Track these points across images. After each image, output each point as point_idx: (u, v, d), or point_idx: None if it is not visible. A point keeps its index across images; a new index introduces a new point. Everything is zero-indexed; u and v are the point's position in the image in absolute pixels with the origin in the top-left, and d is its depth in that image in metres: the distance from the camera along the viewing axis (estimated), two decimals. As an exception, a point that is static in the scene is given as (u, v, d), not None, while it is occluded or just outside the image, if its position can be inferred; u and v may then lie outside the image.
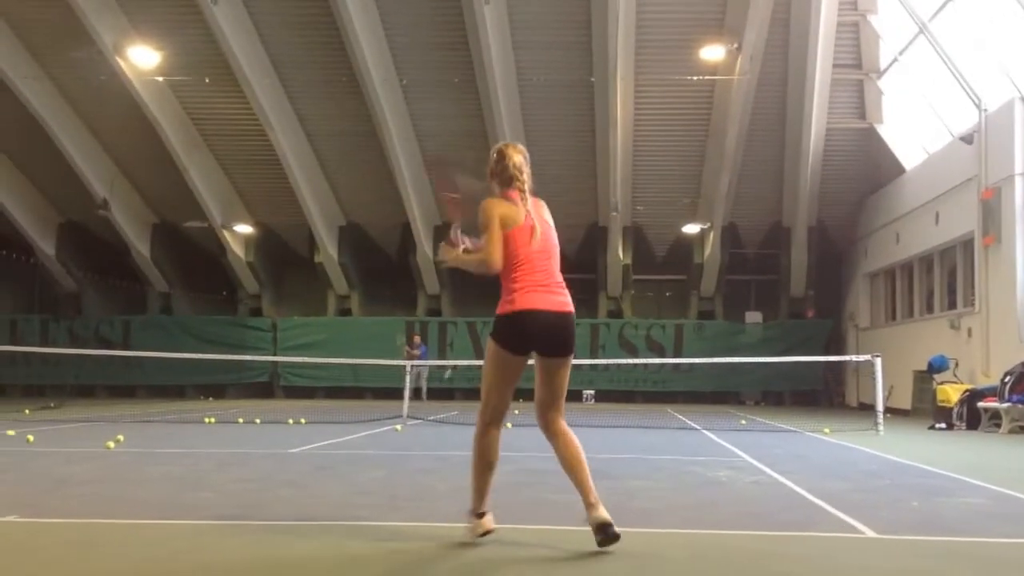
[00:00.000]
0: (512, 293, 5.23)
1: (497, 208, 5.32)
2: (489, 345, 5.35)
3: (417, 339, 26.93)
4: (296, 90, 23.78)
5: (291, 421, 16.22)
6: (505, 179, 5.45)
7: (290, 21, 22.10)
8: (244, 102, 23.27)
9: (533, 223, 5.31)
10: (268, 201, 27.34)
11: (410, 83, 23.10)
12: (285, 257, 29.79)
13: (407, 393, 17.68)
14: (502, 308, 5.28)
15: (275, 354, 27.30)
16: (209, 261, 29.15)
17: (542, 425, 5.37)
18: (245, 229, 27.89)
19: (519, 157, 5.51)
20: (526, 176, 5.47)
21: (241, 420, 16.50)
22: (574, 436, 5.32)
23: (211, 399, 26.27)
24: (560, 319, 5.22)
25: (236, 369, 27.27)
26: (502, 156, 5.50)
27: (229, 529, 5.85)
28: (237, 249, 28.25)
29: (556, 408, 5.34)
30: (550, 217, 5.52)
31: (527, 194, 5.43)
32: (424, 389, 25.37)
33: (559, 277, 5.34)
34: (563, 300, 5.27)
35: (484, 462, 5.33)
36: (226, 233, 27.49)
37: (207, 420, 16.42)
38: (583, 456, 5.26)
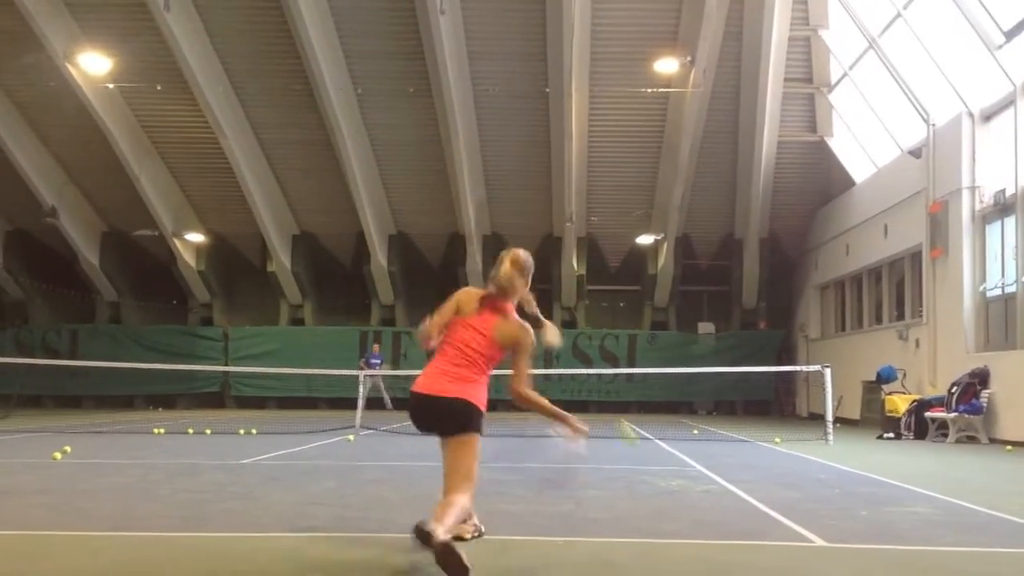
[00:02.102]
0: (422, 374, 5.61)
1: (459, 295, 5.69)
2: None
3: (376, 348, 26.77)
4: (249, 98, 23.61)
5: (242, 431, 16.05)
6: (494, 283, 5.65)
7: (244, 28, 21.94)
8: (196, 110, 23.04)
9: (472, 323, 5.51)
10: (220, 209, 27.08)
11: (365, 92, 23.03)
12: (237, 266, 29.52)
13: (360, 403, 17.54)
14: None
15: (227, 364, 27.02)
16: (159, 270, 28.80)
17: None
18: (196, 238, 27.60)
19: (512, 270, 5.64)
20: (513, 287, 5.64)
21: (191, 431, 16.30)
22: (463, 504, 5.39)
23: (160, 409, 25.94)
24: (429, 402, 5.45)
25: (186, 379, 26.92)
26: (498, 263, 5.69)
27: (179, 541, 5.78)
28: (188, 258, 27.94)
29: (452, 488, 5.40)
30: (510, 335, 5.58)
31: (506, 305, 5.62)
32: (387, 399, 25.15)
33: (464, 372, 5.46)
34: (445, 387, 5.42)
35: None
36: (177, 242, 27.18)
37: (156, 431, 16.21)
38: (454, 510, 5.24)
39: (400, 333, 28.35)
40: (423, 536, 4.80)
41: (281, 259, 27.44)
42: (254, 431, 16.14)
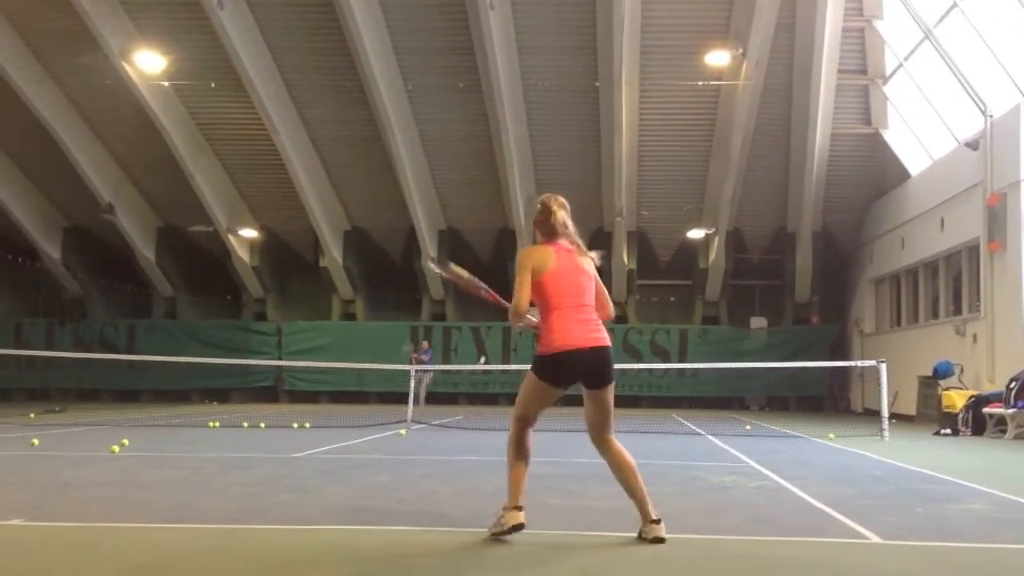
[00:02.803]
0: (550, 334, 5.65)
1: (530, 257, 5.78)
2: (530, 376, 5.75)
3: (425, 344, 26.90)
4: (301, 95, 23.81)
5: (295, 425, 16.22)
6: (547, 231, 5.84)
7: (295, 26, 22.12)
8: (249, 107, 23.29)
9: (566, 268, 5.70)
10: (273, 206, 27.37)
11: (415, 88, 23.12)
12: (290, 261, 29.81)
13: (411, 398, 17.63)
14: (541, 349, 5.70)
15: (279, 358, 27.31)
16: (214, 265, 29.17)
17: (594, 441, 5.86)
18: (250, 233, 27.90)
19: (563, 213, 5.84)
20: (571, 230, 5.84)
21: (246, 424, 16.50)
22: (625, 452, 5.79)
23: (215, 403, 26.28)
24: (595, 354, 5.63)
25: (240, 373, 27.26)
26: (547, 210, 5.85)
27: (233, 533, 5.85)
28: (242, 253, 28.27)
29: (606, 427, 5.77)
30: (590, 265, 5.85)
31: (568, 244, 5.81)
32: (422, 395, 25.28)
33: (593, 315, 5.72)
34: (597, 336, 5.67)
35: (520, 458, 5.73)
36: (231, 237, 27.51)
37: (211, 424, 16.42)
38: (636, 470, 5.71)
39: (450, 328, 28.47)
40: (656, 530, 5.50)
41: (333, 254, 27.66)
42: (307, 425, 16.31)
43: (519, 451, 5.74)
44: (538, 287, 5.69)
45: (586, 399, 5.75)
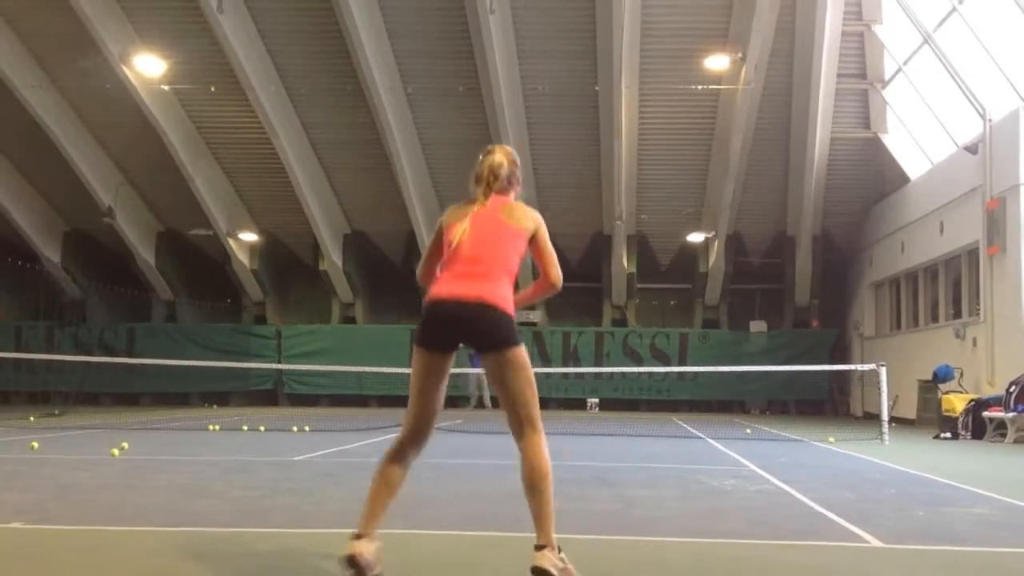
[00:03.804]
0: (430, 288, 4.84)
1: (446, 216, 5.09)
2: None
3: None
4: (301, 98, 23.83)
5: (295, 429, 16.21)
6: (475, 178, 5.08)
7: (295, 29, 22.14)
8: (249, 110, 23.31)
9: (468, 222, 4.85)
10: (273, 209, 27.39)
11: (415, 91, 23.14)
12: (289, 265, 29.84)
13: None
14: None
15: (279, 362, 27.32)
16: (213, 269, 29.20)
17: (514, 438, 4.70)
18: (250, 237, 27.92)
19: (496, 157, 5.03)
20: (500, 176, 4.98)
21: (245, 428, 16.50)
22: (542, 458, 4.59)
23: (215, 407, 26.28)
24: (459, 307, 4.60)
25: (240, 377, 27.27)
26: (483, 156, 5.13)
27: (233, 537, 5.86)
28: (242, 257, 28.28)
29: (515, 417, 4.65)
30: (519, 218, 4.91)
31: (495, 194, 4.96)
32: (486, 396, 25.32)
33: (483, 270, 4.68)
34: (468, 287, 4.62)
35: (380, 484, 4.71)
36: (231, 241, 27.52)
37: (211, 428, 16.42)
38: (545, 484, 4.54)
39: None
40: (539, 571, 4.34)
41: (333, 258, 27.68)
42: (307, 428, 16.31)
43: (382, 478, 4.73)
44: (441, 240, 4.98)
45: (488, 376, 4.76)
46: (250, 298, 29.85)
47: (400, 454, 4.73)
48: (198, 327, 29.32)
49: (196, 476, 8.98)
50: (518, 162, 5.13)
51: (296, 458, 10.98)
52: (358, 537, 4.57)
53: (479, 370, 24.32)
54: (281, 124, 23.69)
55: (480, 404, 25.39)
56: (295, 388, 28.43)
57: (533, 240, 4.91)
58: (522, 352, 4.67)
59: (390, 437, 14.46)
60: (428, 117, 23.91)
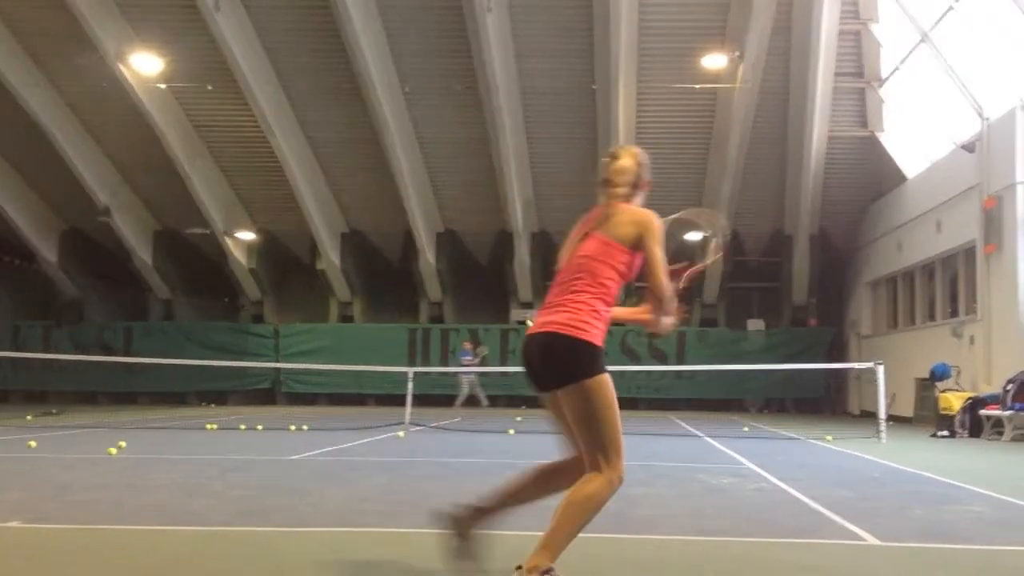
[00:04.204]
0: None
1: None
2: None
3: (467, 345, 26.77)
4: (298, 97, 23.81)
5: (293, 428, 16.21)
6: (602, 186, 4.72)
7: (292, 28, 22.13)
8: (247, 109, 23.29)
9: (570, 240, 4.65)
10: (270, 208, 27.37)
11: (413, 90, 23.12)
12: (287, 264, 29.82)
13: (409, 399, 17.44)
14: None
15: (277, 360, 27.30)
16: (211, 268, 29.18)
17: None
18: (247, 236, 27.91)
19: (609, 162, 4.82)
20: (619, 182, 4.72)
21: (243, 427, 16.48)
22: (580, 487, 4.33)
23: (213, 406, 26.26)
24: (530, 342, 4.43)
25: (238, 376, 27.26)
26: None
27: (231, 536, 5.85)
28: (239, 256, 28.26)
29: (583, 454, 4.36)
30: (607, 229, 4.55)
31: (612, 202, 4.68)
32: (480, 395, 25.48)
33: (565, 295, 4.44)
34: (542, 321, 4.42)
35: (521, 473, 4.70)
36: (228, 240, 27.50)
37: (209, 427, 16.41)
38: (566, 508, 4.28)
39: (448, 330, 28.47)
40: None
41: (330, 257, 27.67)
42: (305, 427, 16.30)
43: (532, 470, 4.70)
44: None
45: None
46: (248, 297, 29.84)
47: (551, 469, 4.60)
48: (196, 326, 29.29)
49: (193, 475, 8.98)
50: (643, 162, 4.86)
51: (294, 457, 10.98)
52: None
53: (469, 370, 24.44)
54: (278, 123, 23.67)
55: (474, 401, 25.42)
56: (293, 387, 28.42)
57: (637, 247, 4.48)
58: (585, 387, 4.29)
59: (388, 436, 14.48)
60: (426, 116, 23.90)
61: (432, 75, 22.81)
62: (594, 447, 4.27)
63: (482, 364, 25.63)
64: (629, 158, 4.78)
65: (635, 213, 4.58)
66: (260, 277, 29.12)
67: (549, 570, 4.12)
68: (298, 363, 26.22)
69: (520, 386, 27.30)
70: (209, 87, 23.17)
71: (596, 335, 4.36)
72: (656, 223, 4.53)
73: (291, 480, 8.73)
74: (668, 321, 4.67)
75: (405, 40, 22.12)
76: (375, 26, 21.56)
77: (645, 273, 4.50)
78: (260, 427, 16.39)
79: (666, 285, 4.49)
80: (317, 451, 11.76)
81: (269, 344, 28.46)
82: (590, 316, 4.36)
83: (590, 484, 4.25)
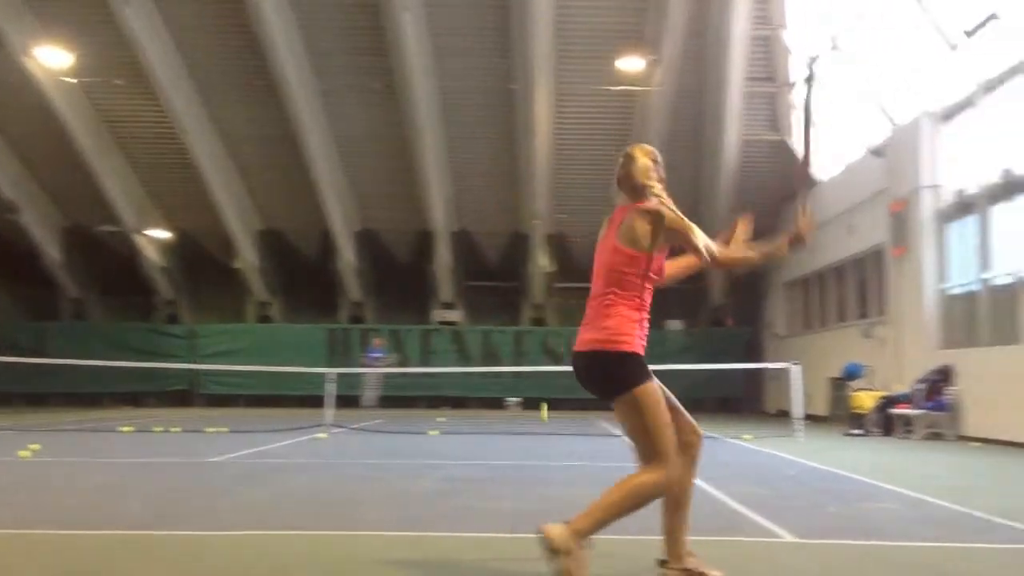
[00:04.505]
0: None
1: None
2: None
3: (377, 342, 26.51)
4: (212, 94, 23.41)
5: (211, 429, 15.96)
6: (624, 189, 4.86)
7: (205, 23, 21.77)
8: (159, 105, 22.87)
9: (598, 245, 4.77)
10: (184, 205, 26.86)
11: (330, 88, 22.93)
12: (203, 263, 29.28)
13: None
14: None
15: (194, 361, 26.82)
16: (124, 267, 28.52)
17: None
18: (160, 234, 27.39)
19: (623, 164, 4.93)
20: (629, 183, 4.84)
21: (159, 429, 16.17)
22: (630, 478, 4.52)
23: (128, 407, 25.70)
24: (575, 360, 4.68)
25: (154, 377, 26.63)
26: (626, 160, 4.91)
27: (147, 539, 5.74)
28: (152, 254, 27.72)
29: (640, 456, 4.56)
30: (621, 235, 4.66)
31: (630, 205, 4.78)
32: (371, 395, 25.27)
33: (599, 308, 4.64)
34: (582, 338, 4.64)
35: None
36: (140, 238, 26.95)
37: (124, 429, 16.06)
38: (615, 489, 4.49)
39: (369, 331, 28.29)
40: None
41: (247, 256, 27.30)
42: (224, 429, 16.06)
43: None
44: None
45: None
46: (161, 296, 29.27)
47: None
48: (109, 326, 28.62)
49: (110, 477, 8.79)
50: (657, 159, 4.91)
51: (212, 459, 10.81)
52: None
53: (373, 369, 24.28)
54: (191, 120, 23.28)
55: (372, 401, 25.29)
56: (211, 388, 27.95)
57: (653, 245, 4.56)
58: (634, 396, 4.45)
59: (309, 438, 14.35)
60: (343, 113, 23.71)
61: (349, 72, 22.66)
62: (648, 450, 4.49)
63: (391, 365, 25.46)
64: (640, 156, 4.86)
65: (641, 213, 4.63)
66: (174, 276, 28.60)
67: (571, 550, 4.28)
68: (216, 364, 25.79)
69: (444, 386, 27.34)
70: (119, 82, 22.67)
71: (635, 343, 4.50)
72: (661, 208, 4.59)
73: (210, 482, 8.61)
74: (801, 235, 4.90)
75: (321, 37, 21.92)
76: (289, 22, 21.31)
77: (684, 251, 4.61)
78: (177, 429, 16.10)
79: (703, 243, 4.55)
80: (236, 453, 11.60)
81: (185, 345, 27.95)
82: (626, 326, 4.50)
83: (643, 475, 4.46)
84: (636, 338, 4.52)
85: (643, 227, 4.56)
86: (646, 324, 4.63)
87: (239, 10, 20.64)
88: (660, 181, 4.80)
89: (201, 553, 5.39)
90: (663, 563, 4.46)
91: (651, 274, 4.62)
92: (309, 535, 5.95)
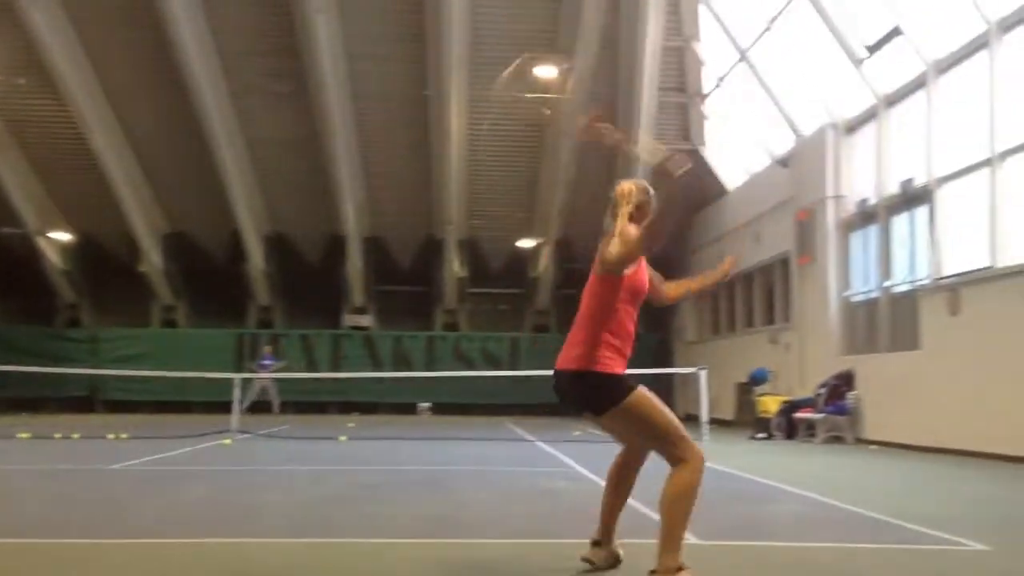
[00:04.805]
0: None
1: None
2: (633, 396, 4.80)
3: (268, 350, 26.02)
4: (118, 93, 22.84)
5: (112, 436, 15.56)
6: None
7: (111, 20, 21.23)
8: (61, 103, 22.25)
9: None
10: (88, 207, 26.13)
11: (240, 89, 22.58)
12: (106, 266, 28.50)
13: (237, 407, 17.22)
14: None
15: (96, 367, 26.10)
16: (23, 269, 27.64)
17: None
18: (62, 236, 26.63)
19: (614, 195, 5.19)
20: (614, 211, 5.10)
21: (58, 435, 15.71)
22: (668, 485, 4.73)
23: (26, 414, 24.90)
24: (556, 378, 4.99)
25: (54, 382, 25.82)
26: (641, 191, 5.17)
27: (40, 548, 5.57)
28: (53, 257, 26.92)
29: (666, 457, 4.80)
30: (597, 263, 5.11)
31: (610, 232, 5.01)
32: (275, 402, 24.80)
33: (580, 332, 5.00)
34: (565, 356, 4.95)
35: (609, 483, 5.32)
36: (41, 240, 26.17)
37: (21, 435, 15.55)
38: (667, 507, 4.68)
39: (278, 335, 27.91)
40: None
41: (152, 259, 26.70)
42: (124, 436, 15.67)
43: (611, 482, 5.26)
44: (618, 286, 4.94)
45: None
46: (63, 300, 28.46)
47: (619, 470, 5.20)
48: (7, 329, 27.70)
49: (3, 484, 8.50)
50: (634, 189, 5.17)
51: (112, 466, 10.54)
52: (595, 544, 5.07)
53: (265, 375, 23.91)
54: (96, 119, 22.68)
55: (257, 408, 24.87)
56: (112, 394, 27.24)
57: (620, 269, 4.91)
58: (623, 408, 4.75)
59: (214, 444, 14.08)
60: (254, 115, 23.36)
61: (260, 74, 22.35)
62: (661, 445, 4.75)
63: (283, 371, 25.04)
64: (615, 191, 5.17)
65: (604, 241, 4.94)
66: (76, 279, 27.84)
67: (681, 567, 4.50)
68: (118, 369, 25.15)
69: (354, 392, 27.10)
70: (21, 81, 22.00)
71: (612, 364, 4.81)
72: (622, 233, 4.83)
73: (110, 490, 8.39)
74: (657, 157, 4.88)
75: (232, 37, 21.59)
76: (199, 21, 20.92)
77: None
78: (76, 435, 15.66)
79: (613, 252, 4.84)
80: (138, 460, 11.31)
81: (87, 349, 27.21)
82: (602, 349, 4.80)
83: (679, 475, 4.66)
84: (615, 359, 4.83)
85: (605, 253, 4.89)
86: (629, 343, 4.96)
87: (147, 6, 20.19)
88: (637, 208, 5.04)
89: (92, 562, 5.24)
90: (652, 572, 4.57)
91: (627, 295, 4.93)
92: (207, 543, 5.83)
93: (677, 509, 4.61)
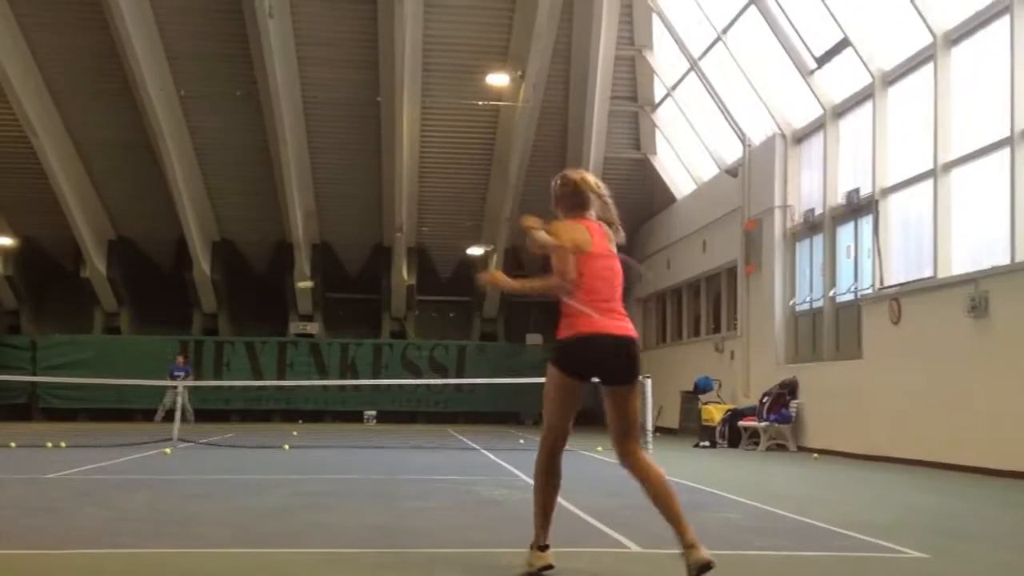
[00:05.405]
0: (576, 317, 5.11)
1: (568, 232, 5.24)
2: (550, 371, 5.21)
3: (181, 360, 25.45)
4: (64, 96, 22.55)
5: (50, 444, 15.25)
6: (578, 203, 5.38)
7: (59, 23, 20.97)
8: (6, 107, 21.85)
9: (601, 253, 5.30)
10: (30, 211, 25.71)
11: (189, 94, 22.35)
12: (48, 271, 28.06)
13: (159, 415, 17.05)
14: (564, 332, 5.12)
15: (34, 374, 25.63)
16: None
17: (620, 458, 5.31)
18: (3, 240, 26.14)
19: (593, 181, 5.42)
20: (602, 202, 5.44)
21: (-6, 444, 15.39)
22: (656, 467, 5.20)
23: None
24: (621, 343, 5.08)
25: (-10, 390, 25.40)
26: (570, 181, 5.40)
27: (-29, 561, 5.43)
28: (-7, 261, 26.46)
29: (632, 439, 5.22)
30: (614, 245, 5.46)
31: (600, 223, 5.44)
32: (188, 411, 24.35)
33: (620, 305, 5.27)
34: (626, 325, 5.15)
35: (550, 487, 5.37)
36: (-19, 245, 25.70)
37: (-46, 445, 15.22)
38: (671, 487, 5.12)
39: (223, 343, 27.61)
40: (707, 571, 4.73)
41: (96, 265, 26.29)
42: (63, 444, 15.37)
43: (550, 480, 5.37)
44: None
45: (607, 403, 5.20)
46: (3, 306, 27.92)
47: (555, 462, 5.44)
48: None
49: (-67, 497, 8.30)
50: (554, 185, 5.54)
51: (49, 475, 10.33)
52: (543, 549, 5.21)
53: (176, 383, 23.45)
54: (40, 122, 22.32)
55: (169, 418, 24.52)
56: (51, 402, 26.80)
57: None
58: (640, 381, 5.33)
59: (154, 453, 13.87)
60: (202, 121, 23.15)
61: (210, 79, 22.14)
62: (637, 429, 5.28)
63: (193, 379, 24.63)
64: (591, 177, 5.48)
65: (618, 229, 5.64)
66: (17, 285, 27.34)
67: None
68: (57, 376, 24.70)
69: (300, 400, 26.88)
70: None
71: None
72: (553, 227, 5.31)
73: (46, 499, 8.22)
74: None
75: (181, 42, 21.38)
76: (148, 23, 20.71)
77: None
78: (13, 444, 15.34)
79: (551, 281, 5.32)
80: (75, 469, 11.11)
81: (26, 356, 26.73)
82: None
83: (655, 465, 5.25)
84: None
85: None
86: None
87: (95, 9, 19.92)
88: (556, 201, 5.55)
89: (24, 573, 5.12)
90: (691, 547, 4.83)
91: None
92: (144, 553, 5.72)
93: (672, 492, 5.10)
